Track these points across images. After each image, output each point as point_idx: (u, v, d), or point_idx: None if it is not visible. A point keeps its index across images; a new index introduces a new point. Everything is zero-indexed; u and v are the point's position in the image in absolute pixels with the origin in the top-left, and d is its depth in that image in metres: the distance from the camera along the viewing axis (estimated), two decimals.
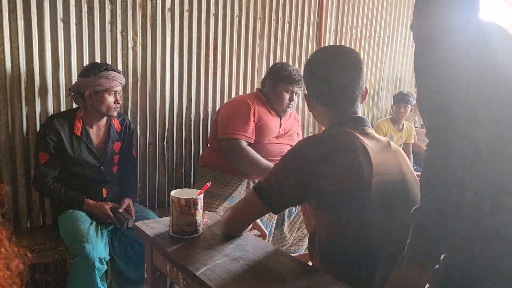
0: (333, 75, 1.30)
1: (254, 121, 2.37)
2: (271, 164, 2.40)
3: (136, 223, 1.46)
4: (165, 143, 2.65)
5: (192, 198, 1.32)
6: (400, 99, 3.49)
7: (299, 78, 2.40)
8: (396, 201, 1.24)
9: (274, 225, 2.34)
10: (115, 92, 2.06)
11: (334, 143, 1.24)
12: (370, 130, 1.31)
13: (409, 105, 3.48)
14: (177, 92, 2.64)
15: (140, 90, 2.50)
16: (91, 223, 1.99)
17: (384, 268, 1.20)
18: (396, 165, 1.28)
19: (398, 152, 1.33)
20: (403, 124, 3.58)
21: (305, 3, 3.15)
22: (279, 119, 2.49)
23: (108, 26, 2.34)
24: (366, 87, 1.34)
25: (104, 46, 2.34)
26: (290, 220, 2.41)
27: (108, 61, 2.35)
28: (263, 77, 2.61)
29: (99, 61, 2.29)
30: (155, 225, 1.44)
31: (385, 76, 3.81)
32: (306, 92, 1.39)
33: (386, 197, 1.21)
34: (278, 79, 2.41)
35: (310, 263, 1.34)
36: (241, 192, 2.38)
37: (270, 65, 2.98)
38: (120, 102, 2.17)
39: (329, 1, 3.28)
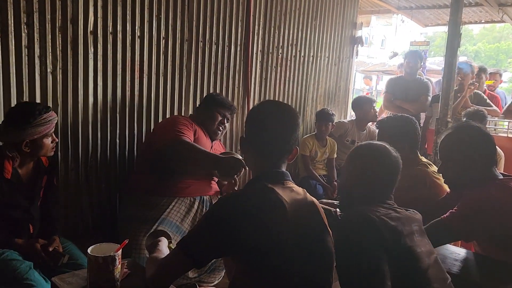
0: (269, 126, 1.43)
1: (192, 131, 2.46)
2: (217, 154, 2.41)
3: (53, 279, 1.45)
4: (88, 168, 2.59)
5: (110, 256, 1.34)
6: (321, 117, 3.67)
7: (230, 105, 2.66)
8: (312, 253, 1.35)
9: None
10: (52, 132, 1.98)
11: (253, 201, 1.31)
12: (290, 184, 1.42)
13: (331, 123, 3.67)
14: (100, 116, 2.59)
15: (61, 116, 2.42)
16: (29, 265, 1.82)
17: None
18: (311, 218, 1.40)
19: (313, 204, 1.44)
20: (326, 140, 3.77)
21: (232, 24, 3.21)
22: (210, 141, 2.63)
23: (24, 51, 2.24)
24: (296, 148, 1.47)
25: (20, 71, 2.24)
26: None
27: (25, 87, 2.26)
28: (193, 104, 2.74)
29: (15, 89, 2.20)
30: (72, 279, 1.44)
31: (310, 93, 3.98)
32: (244, 136, 1.50)
33: (303, 251, 1.32)
34: (211, 103, 2.64)
35: None
36: (173, 214, 2.34)
37: (198, 85, 3.05)
38: (57, 140, 2.09)
39: (255, 23, 3.37)
